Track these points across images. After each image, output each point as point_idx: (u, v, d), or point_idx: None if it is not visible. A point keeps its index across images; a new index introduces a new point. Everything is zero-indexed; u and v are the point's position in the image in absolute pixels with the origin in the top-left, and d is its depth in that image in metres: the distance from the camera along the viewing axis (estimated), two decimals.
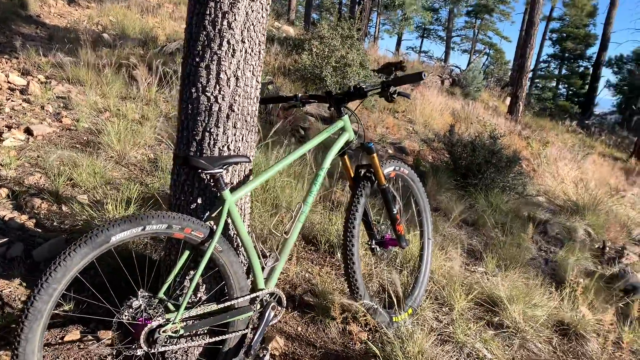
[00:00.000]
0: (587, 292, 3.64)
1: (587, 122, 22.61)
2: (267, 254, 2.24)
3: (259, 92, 2.20)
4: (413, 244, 3.37)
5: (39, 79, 5.79)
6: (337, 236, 3.40)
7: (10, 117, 4.50)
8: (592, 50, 37.10)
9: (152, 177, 3.83)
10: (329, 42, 9.03)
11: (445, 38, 42.16)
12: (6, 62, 6.28)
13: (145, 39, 8.97)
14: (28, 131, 4.24)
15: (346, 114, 2.50)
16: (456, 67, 19.28)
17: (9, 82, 5.47)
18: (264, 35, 2.14)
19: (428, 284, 3.02)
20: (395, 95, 2.35)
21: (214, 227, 1.97)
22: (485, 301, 3.24)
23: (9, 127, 4.21)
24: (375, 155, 2.53)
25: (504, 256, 4.11)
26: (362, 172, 2.63)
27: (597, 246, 5.35)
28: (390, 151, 7.24)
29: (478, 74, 16.78)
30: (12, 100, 4.91)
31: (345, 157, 2.59)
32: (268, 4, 2.12)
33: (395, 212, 2.68)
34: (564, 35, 37.32)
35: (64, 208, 3.17)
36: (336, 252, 3.29)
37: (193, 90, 2.03)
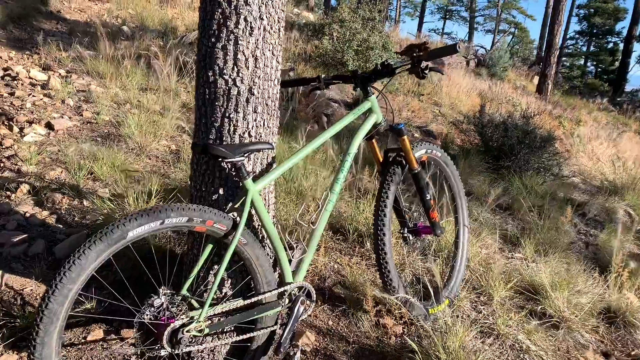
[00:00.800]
0: (633, 276, 3.42)
1: (618, 99, 21.87)
2: (295, 246, 2.11)
3: (279, 74, 2.05)
4: (447, 231, 3.20)
5: (60, 74, 5.76)
6: (365, 225, 3.25)
7: (32, 112, 4.46)
8: (622, 25, 35.88)
9: (174, 169, 3.73)
10: (350, 25, 8.82)
11: (468, 18, 41.32)
12: (28, 58, 6.28)
13: (164, 30, 8.91)
14: (49, 125, 4.19)
15: (373, 94, 2.34)
16: (481, 47, 18.81)
17: (30, 77, 5.45)
18: (283, 11, 1.99)
19: (465, 272, 2.86)
20: (427, 72, 2.18)
21: (238, 218, 1.84)
22: (525, 289, 3.06)
23: (30, 122, 4.16)
24: (405, 137, 2.36)
25: (542, 241, 3.90)
26: (392, 157, 2.47)
27: (639, 228, 5.08)
28: (417, 135, 7.03)
29: (504, 53, 16.30)
30: (33, 96, 4.87)
31: (373, 140, 2.43)
32: None
33: (428, 198, 2.51)
34: (592, 10, 36.07)
35: (85, 202, 3.10)
36: (365, 241, 3.14)
37: (210, 74, 1.89)
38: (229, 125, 1.93)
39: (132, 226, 1.61)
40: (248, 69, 1.90)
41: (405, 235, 2.57)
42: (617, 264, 3.42)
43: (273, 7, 1.92)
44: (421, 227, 2.59)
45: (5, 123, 4.08)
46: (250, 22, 1.86)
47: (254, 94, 1.93)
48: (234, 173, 1.95)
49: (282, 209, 3.12)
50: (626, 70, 24.94)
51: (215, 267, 2.00)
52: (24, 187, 3.12)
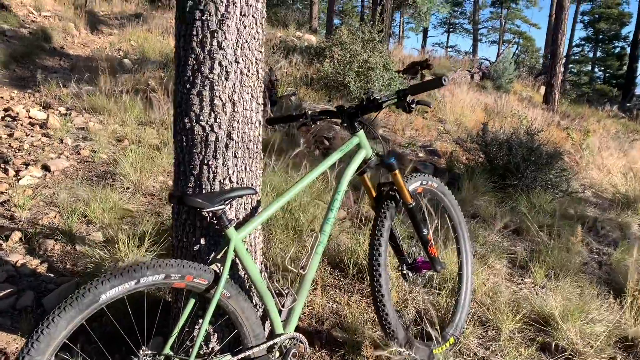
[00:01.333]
0: None
1: (628, 105, 21.55)
2: (284, 292, 2.01)
3: (260, 116, 1.98)
4: (451, 262, 3.08)
5: (59, 111, 5.77)
6: (366, 258, 3.14)
7: (29, 153, 4.44)
8: (628, 29, 35.70)
9: (170, 206, 3.66)
10: (349, 47, 8.81)
11: (471, 31, 41.36)
12: (29, 97, 6.31)
13: (165, 60, 8.94)
14: (45, 167, 4.16)
15: (361, 129, 2.26)
16: (485, 59, 18.75)
17: (29, 117, 5.46)
18: (260, 52, 1.92)
19: (470, 306, 2.73)
20: (413, 106, 2.09)
21: (220, 269, 1.75)
22: (535, 320, 2.91)
23: (27, 165, 4.14)
24: (397, 172, 2.26)
25: (553, 264, 3.76)
26: (385, 191, 2.37)
27: None
28: (421, 155, 6.93)
29: (509, 64, 16.21)
30: (31, 136, 4.87)
31: (365, 176, 2.34)
32: (263, 17, 1.90)
33: (425, 233, 2.40)
34: (596, 16, 35.98)
35: (78, 248, 3.03)
36: (366, 276, 3.02)
37: (186, 121, 1.83)
38: (208, 172, 1.85)
39: (104, 288, 1.53)
40: (226, 114, 1.83)
41: (405, 272, 2.45)
42: (632, 287, 3.27)
43: (249, 49, 1.85)
44: (420, 262, 2.47)
45: (2, 167, 4.06)
46: (226, 67, 1.79)
47: (233, 139, 1.85)
48: (215, 222, 1.86)
49: (277, 246, 3.02)
50: (634, 74, 24.65)
51: (201, 321, 1.90)
52: (16, 235, 3.06)
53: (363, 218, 3.72)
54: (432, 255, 2.43)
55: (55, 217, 3.38)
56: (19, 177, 3.89)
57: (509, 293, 3.16)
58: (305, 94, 8.55)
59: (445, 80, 1.92)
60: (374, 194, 2.41)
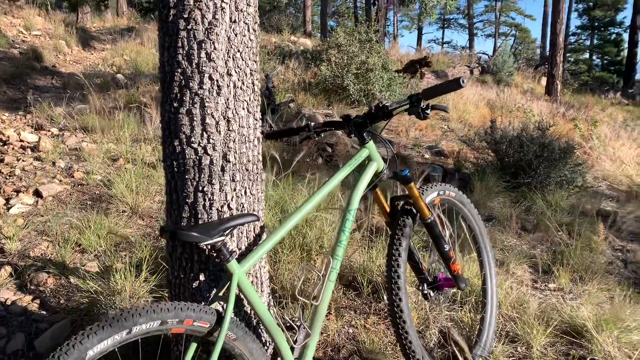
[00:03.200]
0: None
1: (630, 91, 21.31)
2: (296, 325, 1.80)
3: (259, 132, 1.78)
4: (472, 274, 2.87)
5: (52, 133, 5.58)
6: (380, 274, 2.93)
7: (20, 179, 4.24)
8: (623, 15, 35.48)
9: None
10: (346, 49, 8.62)
11: (467, 25, 41.18)
12: (20, 119, 6.13)
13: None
14: (37, 193, 3.96)
15: (370, 139, 2.05)
16: (483, 53, 18.52)
17: (20, 140, 5.27)
18: (255, 62, 1.72)
19: (496, 323, 2.52)
20: (428, 112, 1.88)
21: (224, 308, 1.55)
22: (566, 332, 2.70)
23: (18, 192, 3.94)
24: (413, 184, 2.06)
25: (577, 266, 3.54)
26: (400, 205, 2.17)
27: None
28: (427, 156, 6.72)
29: (507, 57, 15.99)
30: (22, 160, 4.68)
31: (377, 190, 2.13)
32: (255, 22, 1.70)
33: (447, 249, 2.19)
34: (591, 4, 35.68)
35: (72, 280, 2.83)
36: (381, 295, 2.81)
37: (176, 143, 1.62)
38: (204, 199, 1.65)
39: (91, 343, 1.33)
40: (220, 134, 1.62)
41: (426, 292, 2.24)
42: None
43: (242, 60, 1.65)
44: (442, 279, 2.26)
45: None
46: (217, 80, 1.59)
47: (229, 161, 1.65)
48: (214, 254, 1.66)
49: (285, 267, 2.81)
50: (634, 60, 24.35)
51: None
52: (6, 270, 2.86)
53: (374, 229, 3.52)
54: (455, 272, 2.22)
55: (47, 247, 3.18)
56: (9, 206, 3.70)
57: (536, 303, 2.94)
58: (304, 99, 8.35)
59: (462, 82, 1.72)
60: (388, 209, 2.21)
